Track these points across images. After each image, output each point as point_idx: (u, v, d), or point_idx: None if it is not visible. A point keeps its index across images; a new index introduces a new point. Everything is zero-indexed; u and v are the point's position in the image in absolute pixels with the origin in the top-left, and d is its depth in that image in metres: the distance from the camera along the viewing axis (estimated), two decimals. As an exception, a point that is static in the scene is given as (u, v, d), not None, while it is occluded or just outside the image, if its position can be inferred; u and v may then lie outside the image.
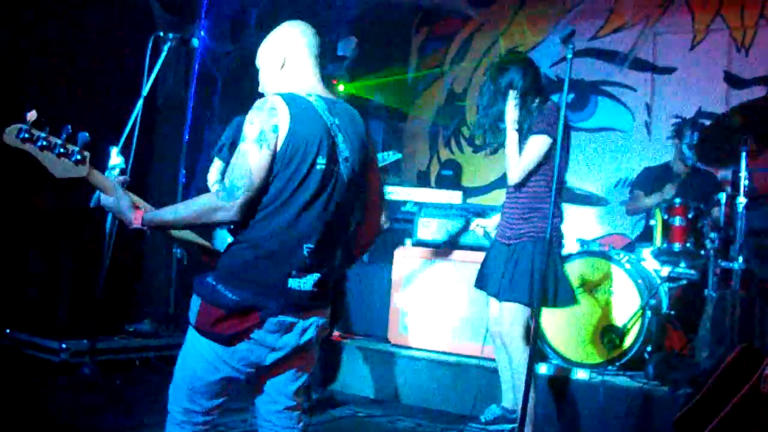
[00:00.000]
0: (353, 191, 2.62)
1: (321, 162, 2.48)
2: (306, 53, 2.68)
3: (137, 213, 2.46)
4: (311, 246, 2.48)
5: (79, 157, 2.41)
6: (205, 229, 2.50)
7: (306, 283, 2.49)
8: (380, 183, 2.85)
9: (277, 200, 2.44)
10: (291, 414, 2.68)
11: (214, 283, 2.44)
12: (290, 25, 2.74)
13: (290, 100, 2.49)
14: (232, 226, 2.51)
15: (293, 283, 2.46)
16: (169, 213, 2.46)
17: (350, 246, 2.77)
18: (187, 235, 2.66)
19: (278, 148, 2.42)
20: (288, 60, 2.67)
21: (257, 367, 2.54)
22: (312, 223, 2.48)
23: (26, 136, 2.33)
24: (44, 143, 2.36)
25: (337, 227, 2.58)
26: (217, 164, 4.77)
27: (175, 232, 2.61)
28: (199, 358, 2.51)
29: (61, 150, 2.38)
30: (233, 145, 4.29)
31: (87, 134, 2.43)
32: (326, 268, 2.55)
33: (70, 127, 2.40)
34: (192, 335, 2.52)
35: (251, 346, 2.46)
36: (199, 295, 2.48)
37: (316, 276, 2.51)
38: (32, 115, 2.33)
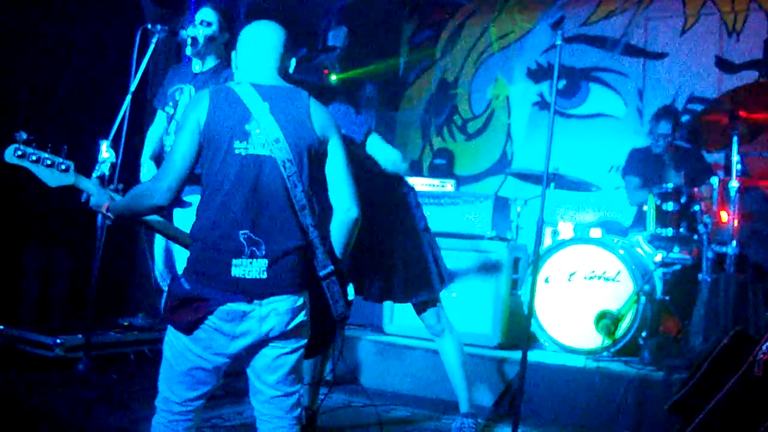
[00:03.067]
0: (294, 172, 2.61)
1: (239, 146, 2.56)
2: (255, 49, 2.77)
3: (106, 203, 2.74)
4: (247, 232, 2.54)
5: (63, 166, 2.78)
6: (145, 214, 2.72)
7: (251, 270, 2.54)
8: (339, 164, 2.78)
9: (207, 190, 2.59)
10: (280, 403, 2.68)
11: (180, 275, 2.60)
12: (246, 27, 2.85)
13: (215, 91, 2.64)
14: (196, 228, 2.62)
15: (237, 271, 2.53)
16: (123, 200, 2.72)
17: (331, 232, 2.77)
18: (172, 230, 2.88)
19: (201, 137, 2.58)
20: (239, 60, 2.82)
21: (227, 356, 2.60)
22: (242, 208, 2.55)
23: (20, 153, 2.75)
24: (34, 158, 2.75)
25: (277, 210, 2.59)
26: None
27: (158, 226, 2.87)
28: (171, 348, 2.65)
29: (48, 162, 2.76)
30: None
31: (66, 147, 2.80)
32: (274, 254, 2.56)
33: (50, 144, 2.79)
34: (168, 331, 2.67)
35: (210, 334, 2.55)
36: (168, 287, 2.67)
37: (262, 262, 2.55)
38: (22, 136, 2.77)
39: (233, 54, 2.84)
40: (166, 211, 2.82)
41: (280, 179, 2.59)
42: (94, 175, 4.22)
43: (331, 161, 2.77)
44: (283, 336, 2.61)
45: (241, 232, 2.54)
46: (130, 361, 5.31)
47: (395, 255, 3.98)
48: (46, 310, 5.82)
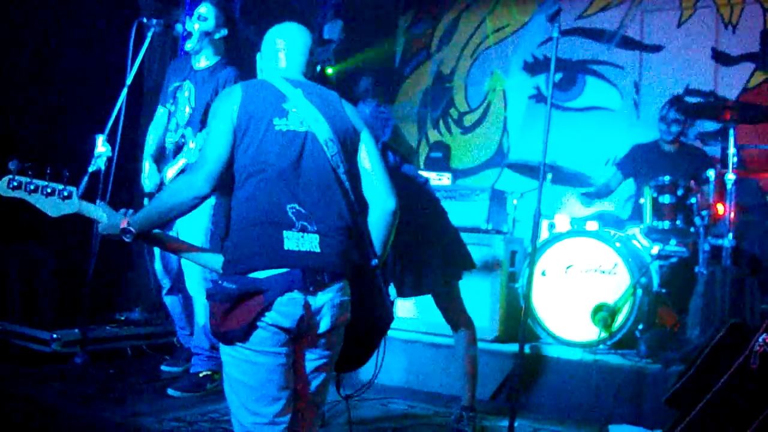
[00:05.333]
0: (336, 152, 2.56)
1: (279, 123, 2.51)
2: (277, 52, 2.76)
3: (124, 219, 2.51)
4: (295, 206, 2.43)
5: (65, 193, 2.55)
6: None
7: (304, 243, 2.41)
8: (373, 156, 2.73)
9: (244, 171, 2.48)
10: (307, 413, 2.60)
11: (219, 281, 2.42)
12: (270, 30, 2.83)
13: (246, 83, 2.64)
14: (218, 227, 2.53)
15: (289, 244, 2.39)
16: (150, 205, 2.54)
17: (371, 227, 2.68)
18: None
19: (235, 122, 2.49)
20: (264, 66, 2.81)
21: (290, 351, 2.44)
22: (287, 183, 2.45)
23: (15, 184, 2.54)
24: (31, 187, 2.54)
25: (327, 191, 2.51)
26: None
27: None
28: (237, 366, 2.43)
29: (48, 190, 2.55)
30: None
31: (66, 171, 2.58)
32: (326, 233, 2.45)
33: (49, 168, 2.57)
34: (223, 352, 2.46)
35: (271, 331, 2.38)
36: (207, 300, 2.45)
37: (314, 237, 2.43)
38: (15, 164, 2.54)
39: (258, 56, 2.83)
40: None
41: (324, 157, 2.53)
42: (90, 169, 4.23)
43: (365, 153, 2.71)
44: (327, 335, 2.51)
45: (289, 206, 2.42)
46: (127, 355, 5.30)
47: (426, 245, 4.02)
48: (41, 305, 5.79)
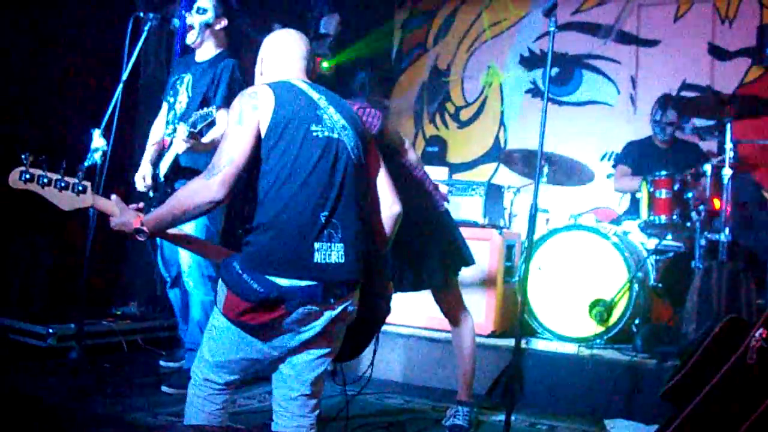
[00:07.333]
0: (358, 158, 2.63)
1: (317, 130, 2.53)
2: (285, 56, 2.78)
3: (137, 218, 2.52)
4: (326, 214, 2.48)
5: (80, 188, 2.55)
6: (201, 213, 2.48)
7: (330, 254, 2.47)
8: (379, 161, 2.82)
9: (280, 175, 2.46)
10: (306, 402, 2.67)
11: (240, 271, 2.43)
12: (270, 35, 2.86)
13: (273, 84, 2.59)
14: (242, 228, 2.54)
15: (318, 256, 2.45)
16: (163, 206, 2.51)
17: (374, 228, 2.76)
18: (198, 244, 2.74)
19: (264, 126, 2.47)
20: (265, 67, 2.81)
21: (287, 350, 2.55)
22: (322, 190, 2.49)
23: (28, 176, 2.52)
24: (45, 180, 2.52)
25: (351, 197, 2.57)
26: None
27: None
28: (224, 337, 2.53)
29: (62, 184, 2.53)
30: None
31: (84, 165, 2.70)
32: (349, 240, 2.52)
33: (65, 162, 2.55)
34: (219, 320, 2.53)
35: (279, 332, 2.48)
36: (225, 283, 2.47)
37: (340, 246, 2.49)
38: (29, 157, 2.51)
39: (258, 61, 2.83)
40: None
41: (351, 164, 2.59)
42: (86, 163, 4.22)
43: (373, 158, 2.78)
44: (336, 333, 2.61)
45: (322, 213, 2.47)
46: (123, 350, 5.29)
47: (426, 241, 4.01)
48: (36, 299, 5.78)
